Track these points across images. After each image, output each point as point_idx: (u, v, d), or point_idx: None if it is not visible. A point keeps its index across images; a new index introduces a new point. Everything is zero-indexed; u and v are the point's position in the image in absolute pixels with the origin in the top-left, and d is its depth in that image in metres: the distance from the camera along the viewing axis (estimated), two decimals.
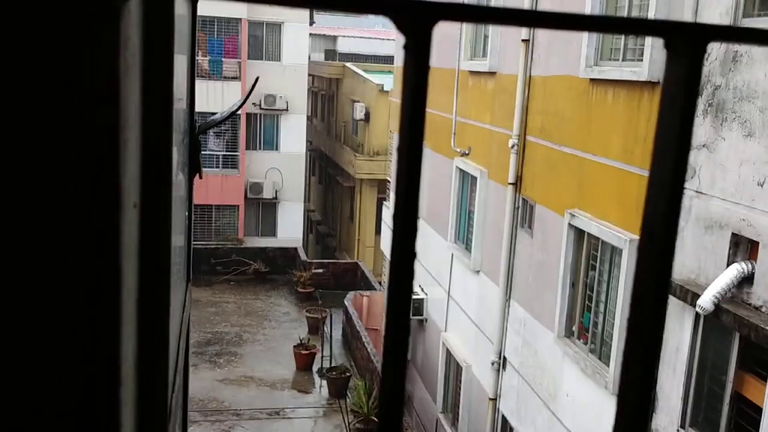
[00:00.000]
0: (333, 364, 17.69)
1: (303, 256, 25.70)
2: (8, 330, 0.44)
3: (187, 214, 1.52)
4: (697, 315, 6.62)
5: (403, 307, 0.51)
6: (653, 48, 7.49)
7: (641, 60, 7.81)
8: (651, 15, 7.56)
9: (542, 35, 10.21)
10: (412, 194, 0.47)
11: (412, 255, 0.49)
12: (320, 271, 23.78)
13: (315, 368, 18.20)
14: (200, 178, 1.61)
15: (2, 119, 0.42)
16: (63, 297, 0.44)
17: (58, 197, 0.41)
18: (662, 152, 0.50)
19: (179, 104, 1.33)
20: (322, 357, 18.01)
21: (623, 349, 0.56)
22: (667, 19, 0.44)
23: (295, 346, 18.40)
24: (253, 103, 26.80)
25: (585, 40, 8.84)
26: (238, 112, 26.19)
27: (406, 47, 0.47)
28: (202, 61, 26.10)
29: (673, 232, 0.51)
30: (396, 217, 0.48)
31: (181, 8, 1.16)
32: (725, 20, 6.53)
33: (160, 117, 0.67)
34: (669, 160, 0.50)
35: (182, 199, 1.38)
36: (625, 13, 8.35)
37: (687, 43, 0.49)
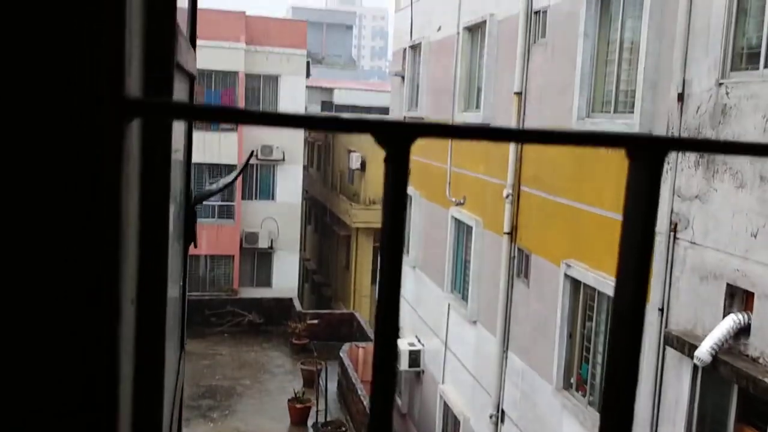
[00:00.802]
0: (328, 419, 17.44)
1: (298, 306, 25.55)
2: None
3: (181, 284, 1.55)
4: (695, 367, 6.60)
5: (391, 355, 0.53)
6: (644, 100, 7.62)
7: (632, 112, 7.94)
8: (641, 70, 7.71)
9: (535, 87, 10.38)
10: (392, 305, 0.50)
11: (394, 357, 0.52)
12: (315, 321, 23.61)
13: (310, 423, 17.92)
14: (195, 247, 1.64)
15: (5, 230, 0.45)
16: (55, 399, 0.46)
17: (57, 295, 0.44)
18: (626, 256, 0.54)
19: (177, 176, 1.37)
20: (317, 411, 17.76)
21: (601, 400, 0.59)
22: (626, 133, 0.48)
23: (289, 400, 18.15)
24: (255, 157, 26.99)
25: (577, 91, 9.00)
26: (235, 163, 26.35)
27: (385, 160, 0.51)
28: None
29: (640, 327, 0.54)
30: (376, 336, 0.51)
31: (178, 88, 1.21)
32: (713, 74, 6.67)
33: (157, 217, 0.71)
34: (632, 264, 0.53)
35: (178, 270, 1.42)
36: (614, 70, 8.52)
37: (647, 153, 0.53)
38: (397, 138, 0.49)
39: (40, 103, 0.43)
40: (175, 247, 1.33)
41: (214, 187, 3.43)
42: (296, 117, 0.49)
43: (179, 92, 1.14)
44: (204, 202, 28.01)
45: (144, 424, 0.73)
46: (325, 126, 0.51)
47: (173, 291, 1.28)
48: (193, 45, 1.51)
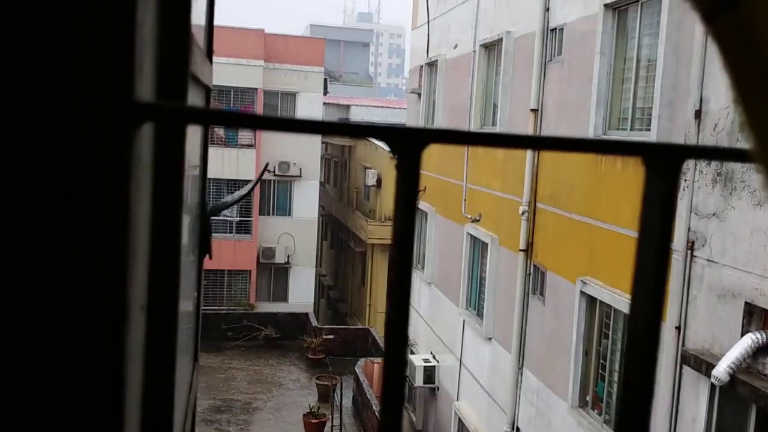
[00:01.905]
0: None
1: (314, 321, 25.55)
2: None
3: (195, 294, 1.54)
4: (713, 386, 6.51)
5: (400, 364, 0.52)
6: (661, 118, 7.59)
7: (649, 129, 7.90)
8: (657, 88, 7.68)
9: (551, 104, 10.37)
10: (402, 313, 0.50)
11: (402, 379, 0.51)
12: (331, 337, 23.59)
13: None
14: (210, 258, 1.64)
15: (8, 233, 0.45)
16: (60, 401, 0.46)
17: (64, 299, 0.44)
18: (643, 268, 0.53)
19: (192, 187, 1.38)
20: (332, 426, 17.70)
21: (616, 417, 0.58)
22: (644, 141, 0.47)
23: (304, 415, 18.11)
24: (268, 170, 27.13)
25: (593, 109, 8.98)
26: (252, 178, 26.49)
27: (398, 167, 0.50)
28: (218, 129, 26.59)
29: (656, 341, 0.53)
30: (386, 341, 0.50)
31: (193, 98, 1.22)
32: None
33: (169, 223, 0.71)
34: (649, 276, 0.52)
35: (193, 283, 1.42)
36: (631, 87, 8.49)
37: (663, 162, 0.52)
38: (409, 144, 0.49)
39: (40, 104, 0.44)
40: (190, 258, 1.33)
41: (229, 199, 3.44)
42: (307, 122, 0.49)
43: (195, 102, 1.15)
44: (222, 218, 28.16)
45: None
46: (337, 131, 0.51)
47: (187, 302, 1.28)
48: (210, 59, 1.52)
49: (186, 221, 1.24)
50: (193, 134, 1.23)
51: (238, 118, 0.47)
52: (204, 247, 1.48)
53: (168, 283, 0.74)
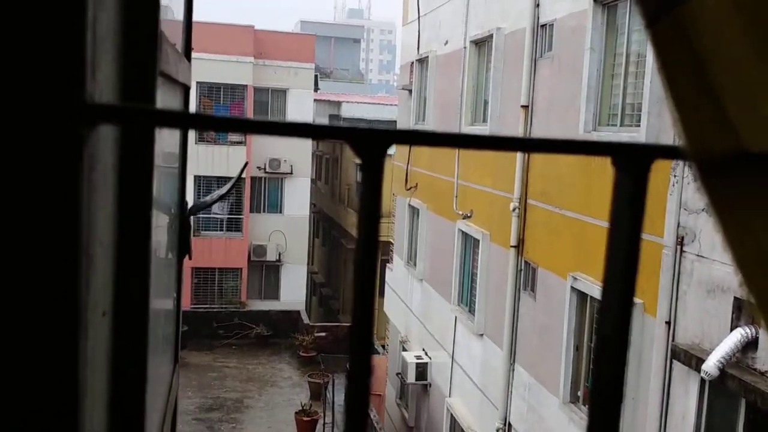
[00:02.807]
0: (335, 431, 17.38)
1: (306, 319, 25.53)
2: None
3: (175, 295, 1.53)
4: (703, 380, 6.54)
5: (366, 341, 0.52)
6: (650, 114, 7.60)
7: (639, 126, 7.92)
8: (647, 84, 7.70)
9: (542, 100, 10.38)
10: (366, 305, 0.49)
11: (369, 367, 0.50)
12: (323, 334, 23.58)
13: None
14: (190, 259, 1.63)
15: None
16: (15, 406, 0.45)
17: (11, 308, 0.43)
18: (612, 267, 0.52)
19: (170, 186, 1.36)
20: (324, 424, 17.70)
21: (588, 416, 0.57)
22: (613, 141, 0.46)
23: (296, 413, 18.10)
24: (258, 167, 27.08)
25: (583, 105, 8.99)
26: (243, 176, 26.44)
27: (361, 168, 0.49)
28: None
29: (625, 343, 0.52)
30: (351, 333, 0.49)
31: (170, 99, 1.20)
32: None
33: (137, 227, 0.69)
34: (619, 273, 0.52)
35: (171, 282, 1.40)
36: (621, 83, 8.51)
37: (632, 162, 0.51)
38: (371, 145, 0.48)
39: None
40: (168, 259, 1.32)
41: (208, 198, 3.43)
42: (268, 123, 0.48)
43: (169, 101, 1.13)
44: (212, 216, 28.09)
45: None
46: (298, 133, 0.50)
47: (164, 303, 1.27)
48: (188, 56, 1.50)
49: (163, 221, 1.23)
50: (170, 134, 1.21)
51: (192, 119, 0.46)
52: (183, 248, 1.47)
53: (137, 287, 0.73)
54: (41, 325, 0.44)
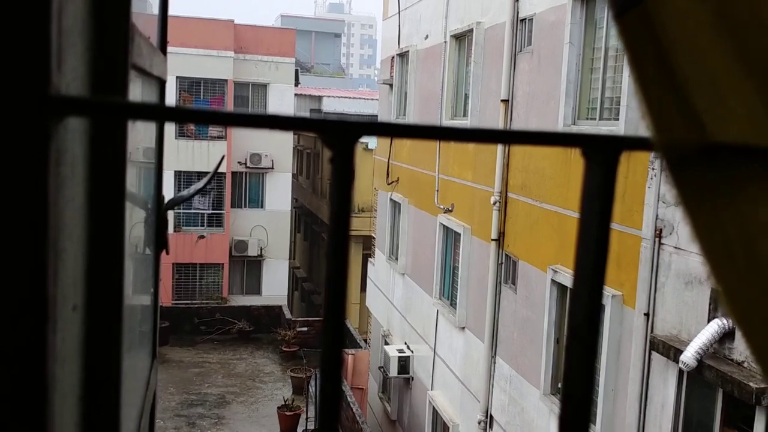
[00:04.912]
0: (318, 426, 17.36)
1: (288, 314, 25.49)
2: None
3: (153, 290, 1.52)
4: (681, 371, 6.61)
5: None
6: (629, 108, 7.66)
7: (617, 119, 7.97)
8: (626, 77, 7.75)
9: (521, 94, 10.42)
10: (338, 299, 0.49)
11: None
12: (305, 329, 23.56)
13: (300, 430, 17.85)
14: (167, 254, 1.62)
15: None
16: None
17: None
18: (583, 255, 0.53)
19: (146, 180, 1.35)
20: (307, 418, 17.71)
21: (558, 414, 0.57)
22: (582, 133, 0.47)
23: (279, 408, 18.08)
24: (239, 162, 26.97)
25: (563, 99, 9.04)
26: (224, 171, 26.29)
27: (331, 160, 0.49)
28: None
29: (595, 329, 0.53)
30: (324, 323, 0.49)
31: (147, 93, 1.19)
32: None
33: (109, 221, 0.69)
34: (589, 263, 0.52)
35: (148, 277, 1.39)
36: (600, 77, 8.56)
37: (602, 153, 0.52)
38: (340, 137, 0.48)
39: None
40: (145, 254, 1.31)
41: (185, 193, 3.41)
42: (237, 115, 0.47)
43: (144, 95, 1.12)
44: (193, 211, 27.89)
45: None
46: (269, 125, 0.50)
47: (141, 298, 1.26)
48: (163, 50, 1.49)
49: (139, 216, 1.22)
50: (145, 128, 1.20)
51: (160, 110, 0.45)
52: (160, 242, 1.46)
53: (111, 281, 0.72)
54: (7, 318, 0.44)
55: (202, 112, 0.46)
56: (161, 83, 1.42)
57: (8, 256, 0.43)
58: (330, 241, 0.51)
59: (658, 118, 0.49)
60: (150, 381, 1.36)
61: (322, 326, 0.50)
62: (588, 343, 0.54)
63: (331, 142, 0.48)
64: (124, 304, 0.77)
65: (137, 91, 0.99)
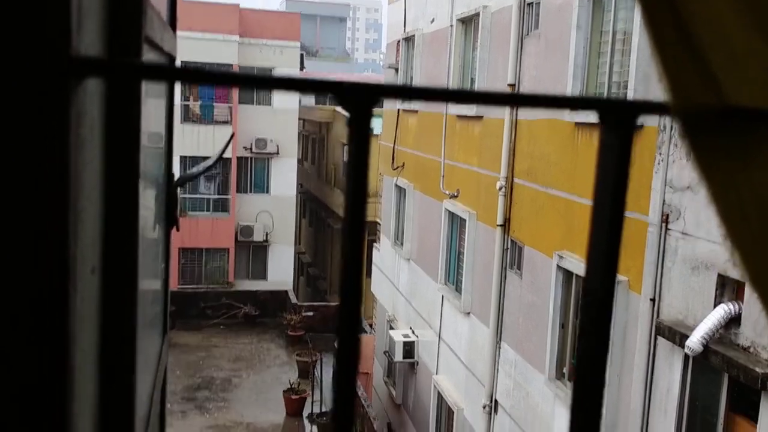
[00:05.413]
0: (324, 409, 17.48)
1: (293, 299, 25.57)
2: None
3: (164, 266, 1.53)
4: (686, 356, 6.62)
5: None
6: (636, 91, 7.62)
7: None
8: (633, 61, 7.70)
9: (528, 78, 10.37)
10: (356, 259, 0.49)
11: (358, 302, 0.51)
12: (311, 314, 23.64)
13: (305, 413, 17.96)
14: (177, 230, 1.62)
15: None
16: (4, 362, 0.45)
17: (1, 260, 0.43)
18: (599, 219, 0.53)
19: (155, 159, 1.36)
20: (313, 401, 17.81)
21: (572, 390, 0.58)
22: (599, 97, 0.47)
23: (285, 391, 18.19)
24: (244, 147, 26.96)
25: (569, 82, 8.99)
26: (229, 156, 26.29)
27: (349, 123, 0.50)
28: (194, 106, 26.32)
29: (610, 293, 0.53)
30: (342, 274, 0.49)
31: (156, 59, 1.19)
32: None
33: (124, 185, 0.69)
34: (604, 226, 0.52)
35: (159, 252, 1.40)
36: (607, 61, 8.51)
37: (618, 117, 0.52)
38: (359, 99, 0.48)
39: None
40: (156, 229, 1.32)
41: (195, 170, 3.42)
42: (253, 77, 0.48)
43: None
44: (199, 196, 27.92)
45: (114, 398, 0.72)
46: (284, 86, 0.50)
47: (154, 272, 1.27)
48: (173, 28, 1.49)
49: (150, 191, 1.22)
50: (157, 107, 1.20)
51: (177, 72, 0.45)
52: (170, 219, 1.46)
53: (126, 244, 0.73)
54: (32, 273, 0.44)
55: (222, 75, 0.46)
56: (171, 60, 1.42)
57: (32, 214, 0.44)
58: (347, 203, 0.51)
59: (675, 81, 0.49)
60: (161, 356, 1.37)
61: (339, 284, 0.51)
62: (602, 308, 0.54)
63: (349, 104, 0.48)
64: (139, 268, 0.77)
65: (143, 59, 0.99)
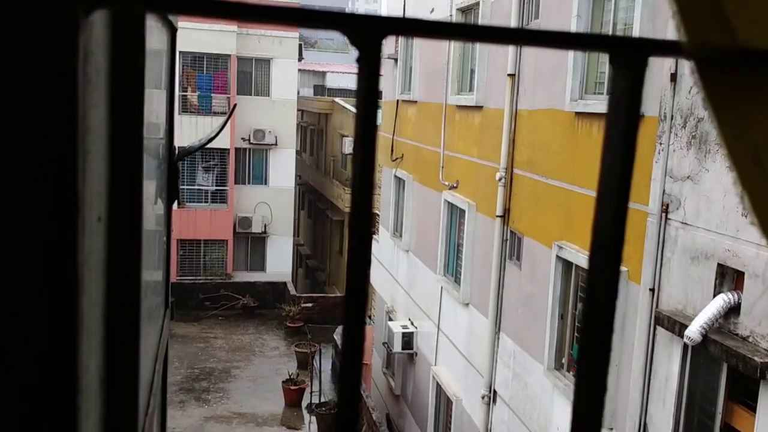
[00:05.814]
0: (322, 400, 17.52)
1: (292, 290, 25.59)
2: None
3: (165, 239, 1.52)
4: (685, 346, 6.63)
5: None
6: None
7: None
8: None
9: (528, 70, 10.35)
10: (365, 207, 0.49)
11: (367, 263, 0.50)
12: (309, 305, 23.67)
13: (304, 404, 18.00)
14: (179, 205, 1.62)
15: None
16: (13, 309, 0.44)
17: (8, 198, 0.42)
18: (610, 165, 0.52)
19: (157, 131, 1.35)
20: (312, 392, 17.84)
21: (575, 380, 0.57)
22: (611, 34, 0.46)
23: (284, 382, 18.22)
24: (243, 138, 26.92)
25: (570, 74, 8.98)
26: (227, 147, 26.24)
27: (358, 60, 0.49)
28: (192, 96, 26.24)
29: (621, 238, 0.52)
30: (351, 225, 0.49)
31: (158, 39, 1.18)
32: None
33: (129, 130, 0.68)
34: (615, 173, 0.52)
35: (161, 224, 1.39)
36: (606, 61, 8.49)
37: (630, 56, 0.51)
38: (368, 34, 0.47)
39: None
40: (159, 202, 1.31)
41: (196, 143, 3.41)
42: (259, 8, 0.47)
43: (159, 41, 1.11)
44: (197, 187, 27.83)
45: (118, 346, 0.71)
46: (289, 20, 0.49)
47: (156, 242, 1.26)
48: None
49: (153, 164, 1.22)
50: (157, 96, 1.19)
51: (184, 2, 0.45)
52: (172, 193, 1.46)
53: (131, 190, 0.72)
54: (41, 209, 0.43)
55: (230, 5, 0.45)
56: (173, 31, 1.40)
57: (41, 147, 0.43)
58: (356, 146, 0.50)
59: (689, 20, 0.49)
60: (163, 330, 1.37)
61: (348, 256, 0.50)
62: (613, 264, 0.53)
63: (358, 39, 0.47)
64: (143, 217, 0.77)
65: (151, 34, 0.98)
